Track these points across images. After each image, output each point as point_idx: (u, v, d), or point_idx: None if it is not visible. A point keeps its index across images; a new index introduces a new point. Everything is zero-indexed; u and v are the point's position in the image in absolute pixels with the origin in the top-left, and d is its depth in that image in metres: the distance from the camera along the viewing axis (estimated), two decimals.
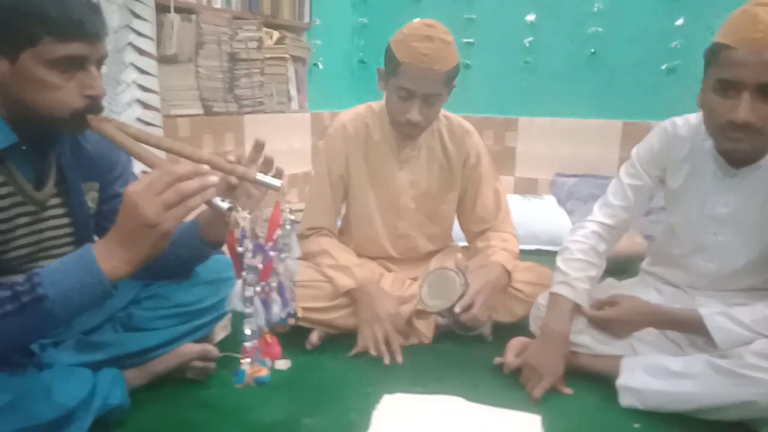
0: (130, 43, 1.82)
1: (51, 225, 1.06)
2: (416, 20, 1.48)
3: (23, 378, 0.95)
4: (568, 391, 1.28)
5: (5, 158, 0.95)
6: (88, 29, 0.90)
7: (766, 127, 1.09)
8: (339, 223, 1.79)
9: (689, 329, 1.23)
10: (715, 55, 1.11)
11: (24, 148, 0.97)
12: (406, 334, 1.51)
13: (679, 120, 1.32)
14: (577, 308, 1.32)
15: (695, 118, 1.29)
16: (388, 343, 1.41)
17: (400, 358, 1.41)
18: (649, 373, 1.21)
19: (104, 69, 1.03)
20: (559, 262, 1.38)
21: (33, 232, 1.03)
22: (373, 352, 1.41)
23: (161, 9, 1.96)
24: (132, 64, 1.84)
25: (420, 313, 1.51)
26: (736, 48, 1.07)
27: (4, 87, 0.90)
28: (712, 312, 1.18)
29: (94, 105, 0.94)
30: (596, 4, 2.72)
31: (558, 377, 1.27)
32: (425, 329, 1.53)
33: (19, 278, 0.83)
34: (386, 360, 1.40)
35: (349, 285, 1.47)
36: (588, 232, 1.39)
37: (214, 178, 0.84)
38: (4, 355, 0.93)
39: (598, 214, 1.41)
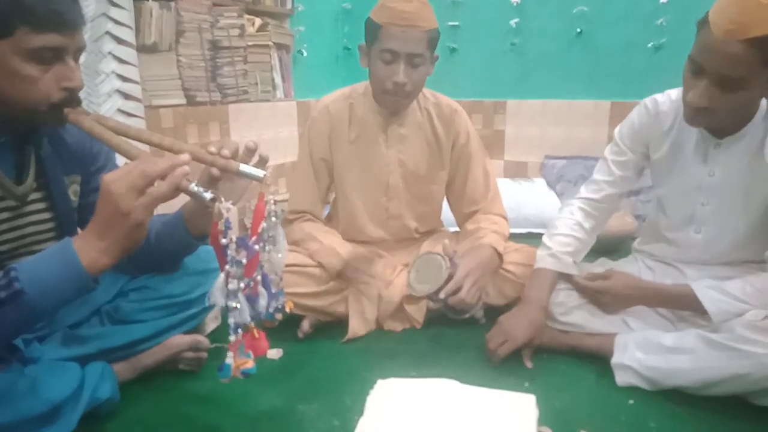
0: (107, 32, 1.78)
1: (32, 220, 1.03)
2: None
3: (7, 373, 0.93)
4: (528, 364, 1.30)
5: None
6: (65, 19, 0.87)
7: (722, 111, 1.11)
8: (327, 210, 1.78)
9: (682, 305, 1.23)
10: (698, 30, 1.10)
11: (1, 141, 0.94)
12: (398, 318, 1.51)
13: (659, 96, 1.32)
14: (558, 278, 1.34)
15: (676, 92, 1.29)
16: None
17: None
18: (643, 350, 1.22)
19: (82, 59, 1.00)
20: (545, 238, 1.40)
21: (13, 227, 1.00)
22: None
23: None
24: (110, 53, 1.80)
25: (411, 298, 1.51)
26: (713, 33, 1.05)
27: None
28: (704, 286, 1.19)
29: (72, 97, 0.92)
30: None
31: (519, 343, 1.27)
32: (416, 314, 1.52)
33: None
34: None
35: (337, 265, 1.46)
36: (574, 209, 1.41)
37: (183, 158, 0.82)
38: None
39: (584, 191, 1.43)
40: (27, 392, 0.91)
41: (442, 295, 1.37)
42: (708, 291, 1.18)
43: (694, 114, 1.15)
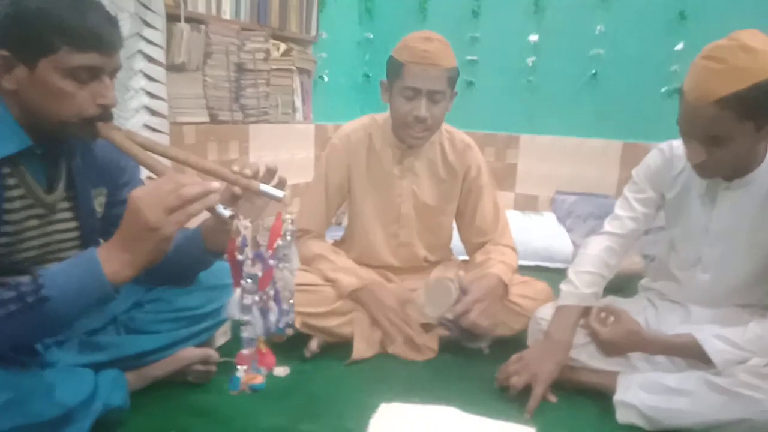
0: (139, 51, 1.86)
1: (59, 228, 1.08)
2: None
3: (26, 376, 0.96)
4: (552, 398, 1.30)
5: (19, 161, 0.97)
6: (105, 41, 0.92)
7: (721, 162, 1.16)
8: (341, 233, 1.81)
9: (685, 354, 1.24)
10: (679, 98, 1.18)
11: (37, 152, 0.99)
12: (414, 347, 1.52)
13: (675, 142, 1.36)
14: (583, 314, 1.35)
15: None
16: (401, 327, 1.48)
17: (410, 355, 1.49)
18: (646, 390, 1.22)
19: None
20: (570, 272, 1.42)
21: (42, 234, 1.04)
22: (394, 336, 1.49)
23: (171, 18, 2.00)
24: (141, 71, 1.88)
25: (424, 327, 1.52)
26: (686, 99, 1.13)
27: (20, 93, 0.92)
28: (708, 336, 1.20)
29: (105, 113, 0.97)
30: (598, 27, 2.76)
31: (548, 382, 1.28)
32: (430, 343, 1.53)
33: (24, 279, 0.85)
34: (400, 339, 1.48)
35: (355, 284, 1.49)
36: (600, 245, 1.43)
37: (215, 185, 0.86)
38: (8, 354, 0.94)
39: (608, 226, 1.45)
40: (43, 396, 0.94)
41: (450, 316, 1.38)
42: (712, 341, 1.18)
43: (699, 169, 1.21)
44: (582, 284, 1.36)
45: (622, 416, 1.23)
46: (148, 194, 0.83)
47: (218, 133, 2.30)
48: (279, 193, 1.01)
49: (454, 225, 1.76)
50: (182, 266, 1.21)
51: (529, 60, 2.92)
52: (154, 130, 1.92)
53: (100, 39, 0.92)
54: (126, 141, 0.97)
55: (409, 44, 1.46)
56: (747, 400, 1.08)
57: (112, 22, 0.96)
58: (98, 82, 0.95)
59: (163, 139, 1.96)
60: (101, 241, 1.18)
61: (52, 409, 0.94)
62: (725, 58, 1.07)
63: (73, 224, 1.10)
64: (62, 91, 0.92)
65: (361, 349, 1.49)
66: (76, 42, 0.90)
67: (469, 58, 3.01)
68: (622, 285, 2.08)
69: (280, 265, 0.98)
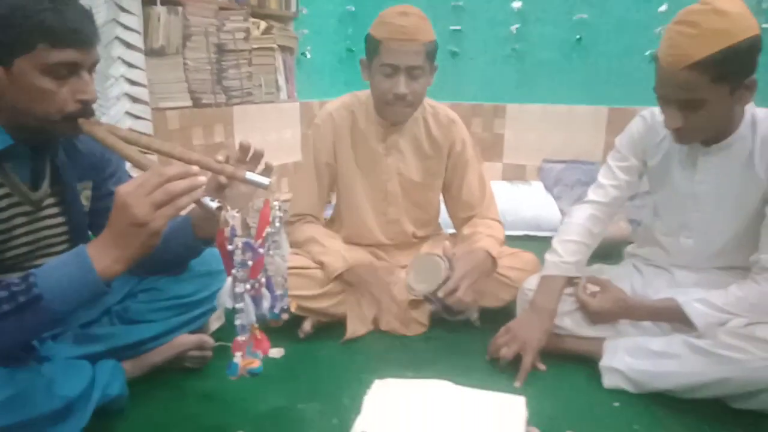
0: (117, 37, 1.83)
1: (47, 224, 1.08)
2: None
3: (23, 372, 0.97)
4: (542, 366, 1.34)
5: (1, 160, 0.97)
6: (82, 37, 0.92)
7: (698, 128, 1.19)
8: (330, 212, 1.82)
9: (669, 318, 1.28)
10: (654, 64, 1.19)
11: (20, 150, 0.99)
12: (405, 322, 1.55)
13: (656, 108, 1.37)
14: (566, 285, 1.38)
15: None
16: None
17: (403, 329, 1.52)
18: (631, 354, 1.26)
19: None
20: (555, 242, 1.44)
21: (30, 231, 1.05)
22: (383, 313, 1.51)
23: (147, 2, 1.96)
24: (119, 57, 1.85)
25: (414, 303, 1.55)
26: (661, 65, 1.14)
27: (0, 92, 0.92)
28: (689, 300, 1.23)
29: (86, 109, 0.96)
30: None
31: (536, 350, 1.32)
32: (420, 317, 1.57)
33: (16, 278, 0.85)
34: (389, 316, 1.51)
35: (341, 267, 1.51)
36: (584, 214, 1.45)
37: (202, 178, 0.86)
38: (5, 352, 0.96)
39: (592, 195, 1.47)
40: (43, 390, 0.95)
41: (440, 294, 1.41)
42: (694, 305, 1.22)
43: (676, 135, 1.23)
44: (566, 253, 1.39)
45: (609, 381, 1.27)
46: (135, 189, 0.83)
47: (202, 117, 2.28)
48: (265, 180, 1.01)
49: (442, 200, 1.78)
50: (173, 255, 1.22)
51: (513, 27, 2.90)
52: (136, 117, 1.90)
53: (77, 35, 0.91)
54: (109, 136, 0.96)
55: (385, 20, 1.44)
56: (728, 360, 1.12)
57: (88, 16, 0.95)
58: (77, 77, 0.94)
59: (146, 126, 1.94)
60: (90, 234, 1.19)
61: (52, 402, 0.95)
62: (698, 22, 1.08)
63: (60, 219, 1.11)
64: (41, 89, 0.91)
65: (354, 328, 1.52)
66: (52, 39, 0.89)
67: (452, 27, 2.97)
68: (609, 251, 2.11)
69: (271, 252, 0.99)
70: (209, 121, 2.32)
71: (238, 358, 0.90)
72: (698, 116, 1.15)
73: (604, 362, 1.29)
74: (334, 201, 1.79)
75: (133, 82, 1.89)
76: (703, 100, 1.12)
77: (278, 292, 1.01)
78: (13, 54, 0.89)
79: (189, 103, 2.21)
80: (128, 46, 1.86)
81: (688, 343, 1.19)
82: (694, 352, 1.17)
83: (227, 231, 0.93)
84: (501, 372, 1.33)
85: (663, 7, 2.59)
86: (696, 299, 1.23)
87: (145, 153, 1.00)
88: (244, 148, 1.04)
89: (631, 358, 1.26)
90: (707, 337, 1.18)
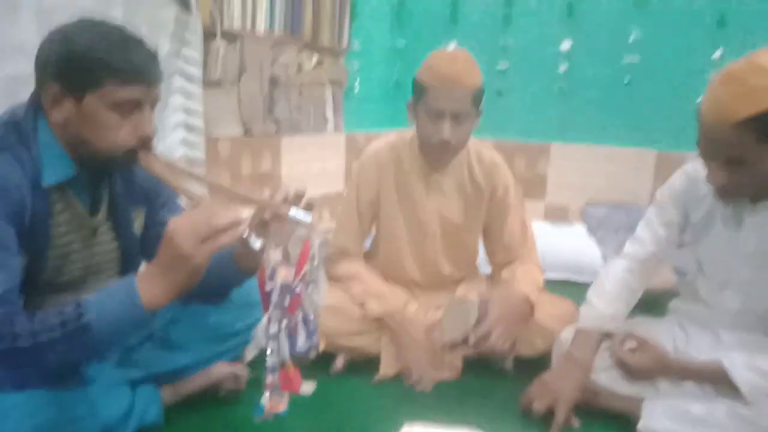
0: (178, 69, 1.92)
1: (101, 249, 1.14)
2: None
3: (66, 394, 1.01)
4: (576, 424, 1.30)
5: (65, 187, 1.04)
6: (147, 76, 0.98)
7: (741, 186, 1.14)
8: (368, 245, 1.84)
9: (712, 381, 1.22)
10: (697, 119, 1.15)
11: (82, 178, 1.06)
12: (438, 366, 1.53)
13: (700, 162, 1.34)
14: (603, 339, 1.35)
15: None
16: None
17: (429, 387, 1.46)
18: (671, 419, 1.21)
19: None
20: (590, 294, 1.42)
21: (85, 255, 1.11)
22: (414, 375, 1.48)
23: (208, 35, 2.06)
24: (179, 88, 1.94)
25: (449, 348, 1.54)
26: (704, 121, 1.10)
27: (68, 125, 0.98)
28: (736, 364, 1.18)
29: (145, 143, 1.02)
30: (633, 33, 2.72)
31: (570, 405, 1.29)
32: (454, 362, 1.55)
33: (68, 306, 0.90)
34: (419, 387, 1.46)
35: (379, 312, 1.51)
36: (620, 268, 1.43)
37: (243, 216, 0.90)
38: (51, 373, 1.01)
39: (629, 248, 1.45)
40: (85, 413, 1.00)
41: (470, 342, 1.40)
42: (740, 369, 1.17)
43: (720, 192, 1.19)
44: (601, 306, 1.37)
45: None
46: (184, 224, 0.87)
47: (251, 145, 2.36)
48: (307, 217, 1.04)
49: (480, 241, 1.77)
50: (215, 284, 1.25)
51: (562, 67, 2.89)
52: (190, 145, 1.98)
53: (143, 74, 0.98)
54: (164, 170, 1.02)
55: (433, 65, 1.46)
56: None
57: (153, 57, 1.02)
58: (139, 113, 1.00)
59: (199, 154, 2.02)
60: (140, 259, 1.25)
61: (91, 426, 0.99)
62: (743, 79, 1.05)
63: (113, 245, 1.16)
64: (106, 123, 0.98)
65: (387, 368, 1.51)
66: (121, 77, 0.96)
67: (500, 66, 2.99)
68: (652, 302, 2.05)
69: (309, 290, 1.02)
70: (258, 150, 2.40)
71: (265, 399, 0.92)
72: (743, 174, 1.11)
73: (642, 425, 1.24)
74: (373, 234, 1.81)
75: (189, 112, 1.98)
76: (748, 159, 1.09)
77: (310, 328, 1.03)
78: (83, 89, 0.96)
79: (240, 132, 2.30)
80: (188, 78, 1.95)
81: (734, 413, 1.14)
82: (739, 421, 1.12)
83: (268, 271, 0.96)
84: (533, 425, 1.30)
85: (717, 54, 2.54)
86: (743, 363, 1.18)
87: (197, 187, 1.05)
88: (298, 196, 1.07)
89: (671, 422, 1.20)
90: (754, 404, 1.13)
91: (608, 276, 1.42)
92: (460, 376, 1.54)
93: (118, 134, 0.99)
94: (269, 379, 0.92)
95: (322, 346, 1.05)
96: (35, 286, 1.02)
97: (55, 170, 1.00)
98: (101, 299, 0.90)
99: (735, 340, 1.31)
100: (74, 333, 0.88)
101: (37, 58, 0.98)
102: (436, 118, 1.46)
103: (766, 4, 2.48)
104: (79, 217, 1.08)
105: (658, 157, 2.75)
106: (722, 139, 1.08)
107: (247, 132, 2.32)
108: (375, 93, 3.19)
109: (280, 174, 2.54)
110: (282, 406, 0.93)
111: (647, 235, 1.42)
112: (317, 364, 1.45)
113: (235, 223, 0.89)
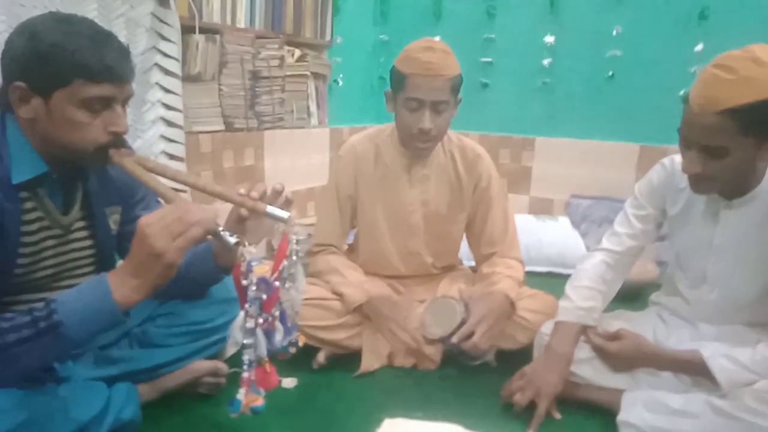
0: (156, 64, 1.90)
1: (75, 247, 1.12)
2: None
3: (40, 394, 1.00)
4: (557, 415, 1.31)
5: (36, 186, 1.02)
6: (117, 73, 0.96)
7: (716, 177, 1.15)
8: (350, 239, 1.84)
9: (691, 371, 1.24)
10: (683, 105, 1.16)
11: (53, 176, 1.04)
12: (418, 358, 1.54)
13: (677, 156, 1.34)
14: (582, 331, 1.36)
15: None
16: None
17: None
18: (649, 410, 1.22)
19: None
20: (567, 288, 1.43)
21: (58, 254, 1.09)
22: (397, 348, 1.49)
23: (187, 30, 2.03)
24: (157, 83, 1.92)
25: (427, 339, 1.54)
26: (691, 107, 1.11)
27: (37, 123, 0.97)
28: (715, 354, 1.19)
29: (117, 140, 1.00)
30: (616, 28, 2.72)
31: (551, 397, 1.29)
32: (433, 354, 1.55)
33: (38, 304, 0.88)
34: (402, 352, 1.50)
35: (360, 299, 1.51)
36: (596, 261, 1.44)
37: (214, 208, 0.89)
38: (24, 373, 0.99)
39: (606, 242, 1.46)
40: (58, 413, 0.98)
41: (454, 340, 1.40)
42: (718, 359, 1.18)
43: (693, 182, 1.20)
44: (579, 299, 1.38)
45: None
46: (155, 221, 0.86)
47: (233, 140, 2.34)
48: (284, 214, 1.03)
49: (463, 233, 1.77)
50: (194, 281, 1.25)
51: (545, 61, 2.90)
52: (170, 140, 1.96)
53: (113, 71, 0.96)
54: (137, 168, 1.00)
55: (411, 55, 1.46)
56: (750, 426, 1.07)
57: (125, 53, 1.00)
58: (110, 111, 0.99)
59: (179, 149, 2.00)
60: (116, 257, 1.23)
61: (66, 425, 0.98)
62: (736, 69, 1.05)
63: (88, 242, 1.15)
64: (76, 121, 0.96)
65: (368, 362, 1.51)
66: (89, 75, 0.94)
67: (484, 59, 2.99)
68: (634, 294, 2.07)
69: (287, 285, 1.01)
70: (240, 144, 2.38)
71: (241, 394, 0.91)
72: (718, 165, 1.12)
73: (622, 416, 1.24)
74: (355, 230, 1.80)
75: (168, 107, 1.95)
76: (726, 148, 1.09)
77: (289, 324, 1.02)
78: (51, 87, 0.94)
79: (222, 127, 2.27)
80: (166, 72, 1.93)
81: (710, 404, 1.14)
82: (716, 413, 1.13)
83: (243, 266, 0.95)
84: (515, 417, 1.30)
85: (699, 47, 2.56)
86: (722, 354, 1.19)
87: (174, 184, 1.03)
88: (276, 192, 1.06)
89: (649, 413, 1.21)
90: (730, 396, 1.14)
91: (585, 269, 1.43)
92: (437, 368, 1.54)
93: (89, 132, 0.97)
94: (245, 374, 0.91)
95: (301, 342, 1.05)
96: (7, 285, 1.01)
97: (24, 168, 0.98)
98: (73, 297, 0.89)
99: (714, 333, 1.32)
100: (45, 332, 0.86)
101: (3, 54, 0.96)
102: (416, 107, 1.46)
103: None
104: (51, 215, 1.06)
105: (641, 150, 2.77)
106: (705, 126, 1.09)
107: (229, 126, 2.30)
108: (359, 87, 3.17)
109: (263, 169, 2.52)
110: (260, 400, 0.92)
111: (624, 229, 1.43)
112: (299, 359, 1.45)
113: (207, 219, 0.88)
